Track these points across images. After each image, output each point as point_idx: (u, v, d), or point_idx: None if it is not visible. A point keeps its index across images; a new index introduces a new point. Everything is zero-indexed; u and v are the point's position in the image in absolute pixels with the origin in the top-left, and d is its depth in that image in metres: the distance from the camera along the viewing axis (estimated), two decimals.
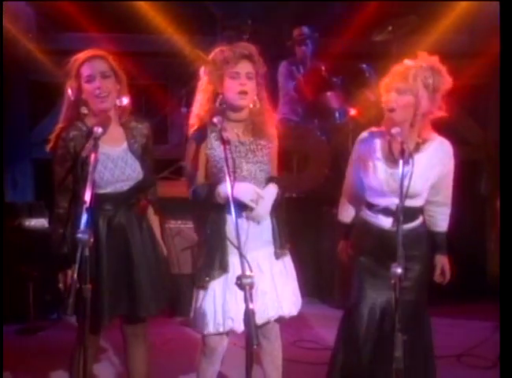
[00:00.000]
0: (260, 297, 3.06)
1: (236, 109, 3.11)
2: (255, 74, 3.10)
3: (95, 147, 2.82)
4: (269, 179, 3.20)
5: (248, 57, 3.09)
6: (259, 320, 3.03)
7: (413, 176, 2.85)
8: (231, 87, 3.06)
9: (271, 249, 3.18)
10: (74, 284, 2.58)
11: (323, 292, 5.69)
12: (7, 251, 4.97)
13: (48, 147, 3.10)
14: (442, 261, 3.34)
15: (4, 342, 4.41)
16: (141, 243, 3.14)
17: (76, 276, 2.58)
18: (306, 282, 5.66)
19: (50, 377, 4.02)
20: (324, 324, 4.97)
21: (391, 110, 3.07)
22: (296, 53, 6.60)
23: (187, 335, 3.25)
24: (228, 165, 2.70)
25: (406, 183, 2.82)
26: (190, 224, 5.23)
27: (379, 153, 3.18)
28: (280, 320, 3.25)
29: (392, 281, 2.67)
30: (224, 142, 2.79)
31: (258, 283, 3.01)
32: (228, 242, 3.04)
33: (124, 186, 3.09)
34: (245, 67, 3.08)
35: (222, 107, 3.09)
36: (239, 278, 2.43)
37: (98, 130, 2.86)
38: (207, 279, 3.07)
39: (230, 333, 3.16)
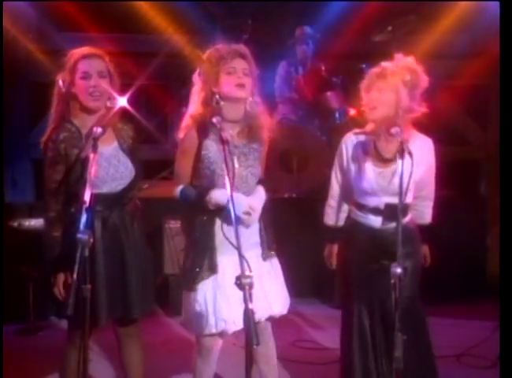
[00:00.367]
0: None
1: (234, 102, 3.09)
2: (250, 72, 3.11)
3: (94, 147, 2.83)
4: (258, 182, 3.22)
5: (243, 56, 3.11)
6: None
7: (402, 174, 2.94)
8: (228, 82, 3.07)
9: (258, 250, 3.19)
10: (74, 284, 2.59)
11: (323, 292, 5.68)
12: (7, 251, 4.97)
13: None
14: (424, 249, 3.45)
15: (4, 342, 4.42)
16: (133, 244, 3.16)
17: (75, 276, 2.58)
18: (306, 282, 5.71)
19: (50, 377, 4.02)
20: (324, 324, 4.98)
21: (373, 108, 3.16)
22: (297, 53, 6.61)
23: (187, 335, 3.25)
24: (227, 166, 2.68)
25: (396, 181, 2.93)
26: None
27: (366, 154, 3.25)
28: (271, 319, 3.24)
29: (392, 281, 2.70)
30: (224, 142, 2.78)
31: None
32: (217, 243, 3.06)
33: (118, 185, 3.10)
34: (241, 63, 3.09)
35: (218, 107, 3.08)
36: (238, 278, 2.41)
37: (98, 130, 2.86)
38: (196, 280, 3.07)
39: (225, 333, 3.15)
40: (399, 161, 2.87)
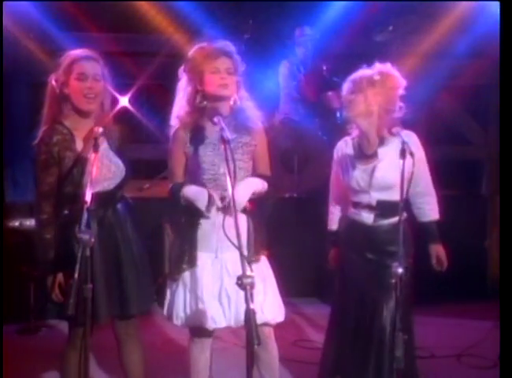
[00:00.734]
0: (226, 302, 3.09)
1: (218, 100, 3.11)
2: (234, 71, 3.12)
3: (96, 147, 2.84)
4: (254, 176, 3.20)
5: (227, 54, 3.12)
6: (238, 323, 3.05)
7: (382, 169, 3.21)
8: (211, 82, 3.09)
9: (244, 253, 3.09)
10: (75, 284, 2.59)
11: (323, 292, 5.67)
12: (7, 251, 4.97)
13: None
14: (436, 250, 3.42)
15: (4, 342, 4.41)
16: (128, 242, 3.17)
17: (77, 275, 2.58)
18: (307, 282, 5.72)
19: (50, 377, 4.02)
20: (324, 323, 4.95)
21: (347, 108, 3.34)
22: (297, 53, 6.60)
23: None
24: (228, 166, 2.67)
25: (378, 175, 3.19)
26: None
27: (350, 153, 3.36)
28: (266, 326, 3.15)
29: (393, 281, 2.75)
30: (225, 141, 2.77)
31: (227, 287, 3.04)
32: (199, 239, 3.09)
33: (110, 184, 3.12)
34: (224, 62, 3.11)
35: (203, 105, 3.10)
36: (239, 278, 2.40)
37: (99, 130, 2.89)
38: (176, 271, 3.13)
39: (204, 329, 3.14)
40: (400, 161, 2.91)
